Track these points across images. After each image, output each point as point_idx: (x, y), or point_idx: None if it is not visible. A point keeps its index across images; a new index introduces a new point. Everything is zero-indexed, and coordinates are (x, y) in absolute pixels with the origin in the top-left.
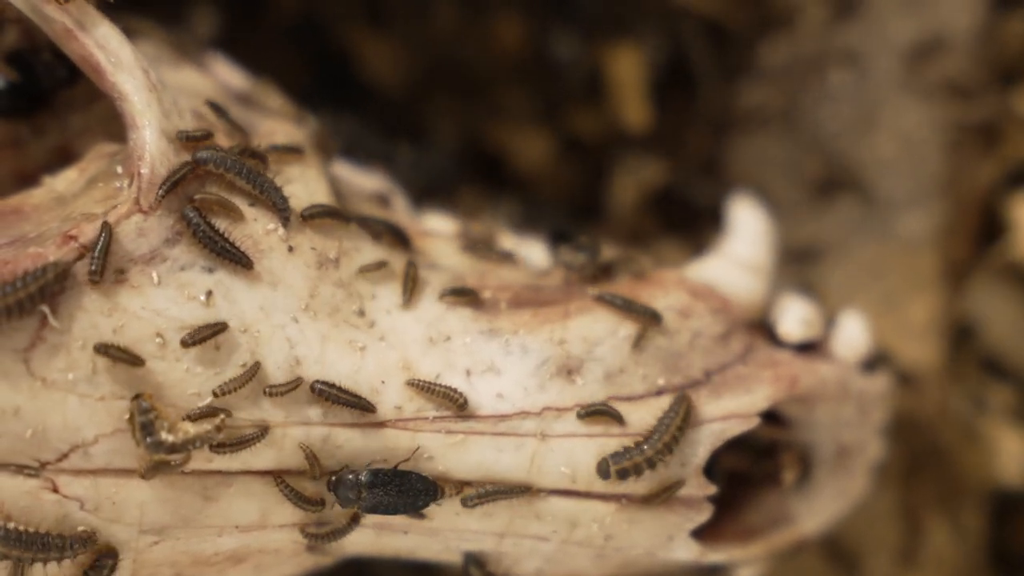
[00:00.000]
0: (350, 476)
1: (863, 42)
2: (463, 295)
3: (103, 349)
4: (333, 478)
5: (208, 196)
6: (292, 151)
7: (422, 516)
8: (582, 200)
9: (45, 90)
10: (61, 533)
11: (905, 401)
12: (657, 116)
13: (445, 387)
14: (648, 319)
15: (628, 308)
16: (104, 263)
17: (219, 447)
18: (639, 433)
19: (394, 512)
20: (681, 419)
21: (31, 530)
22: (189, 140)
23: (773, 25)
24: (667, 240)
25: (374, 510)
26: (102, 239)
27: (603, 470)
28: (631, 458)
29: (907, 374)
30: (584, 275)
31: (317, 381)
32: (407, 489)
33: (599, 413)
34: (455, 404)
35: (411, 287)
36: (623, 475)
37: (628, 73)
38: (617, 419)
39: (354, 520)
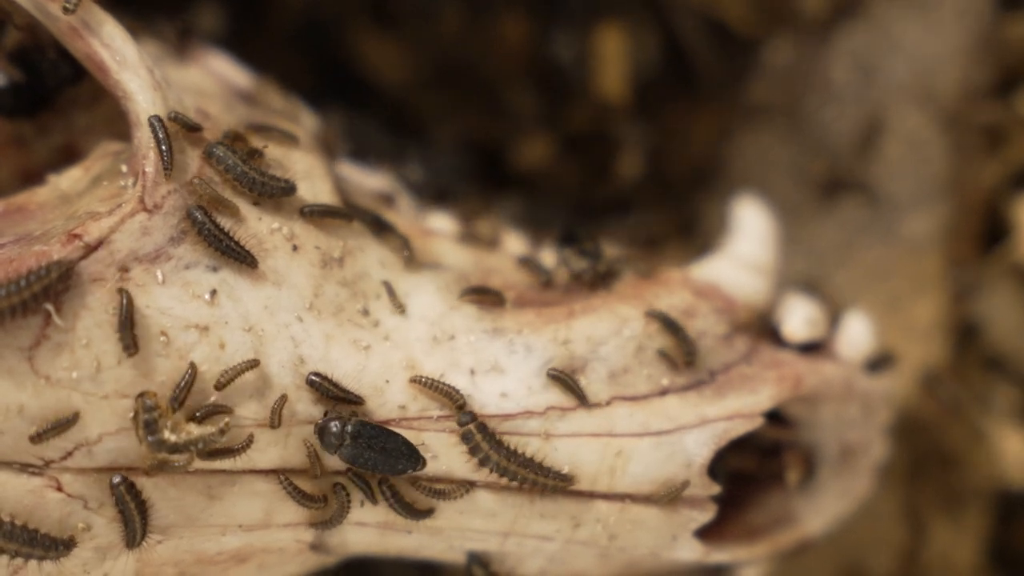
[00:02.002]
0: (335, 422)
1: (868, 43)
2: (485, 294)
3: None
4: (319, 422)
5: (211, 192)
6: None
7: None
8: (583, 198)
9: (50, 88)
10: (49, 533)
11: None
12: (659, 123)
13: (448, 386)
14: (687, 354)
15: (676, 333)
16: (133, 336)
17: (209, 455)
18: (631, 434)
19: (373, 469)
20: (539, 478)
21: (19, 523)
22: (177, 120)
23: (782, 28)
24: (671, 241)
25: (353, 461)
26: (124, 310)
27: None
28: (484, 448)
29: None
30: (584, 280)
31: (312, 372)
32: (391, 450)
33: (561, 382)
34: (454, 404)
35: (407, 246)
36: (467, 439)
37: (613, 47)
38: (580, 398)
39: (340, 488)
